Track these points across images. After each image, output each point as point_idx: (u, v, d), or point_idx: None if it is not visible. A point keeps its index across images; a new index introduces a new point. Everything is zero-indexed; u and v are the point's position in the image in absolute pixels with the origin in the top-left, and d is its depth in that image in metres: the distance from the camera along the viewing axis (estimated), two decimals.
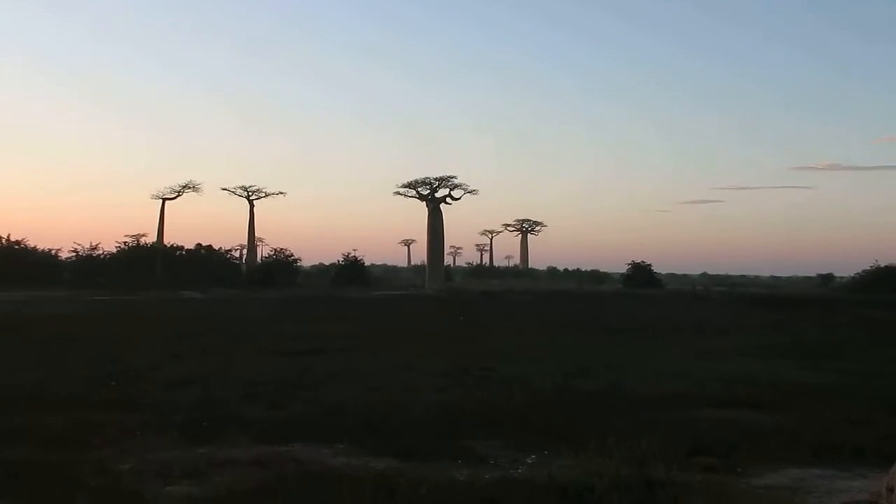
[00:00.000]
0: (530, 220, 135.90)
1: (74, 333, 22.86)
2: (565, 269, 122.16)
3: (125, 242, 72.85)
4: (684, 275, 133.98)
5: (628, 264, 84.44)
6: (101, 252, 69.95)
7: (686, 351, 21.27)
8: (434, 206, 73.65)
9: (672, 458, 8.21)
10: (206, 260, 71.03)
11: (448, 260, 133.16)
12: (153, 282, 61.36)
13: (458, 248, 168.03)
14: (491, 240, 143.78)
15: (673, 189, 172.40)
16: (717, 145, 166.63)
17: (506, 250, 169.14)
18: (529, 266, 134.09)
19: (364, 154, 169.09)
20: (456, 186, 73.63)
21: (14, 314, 30.23)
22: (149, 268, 66.54)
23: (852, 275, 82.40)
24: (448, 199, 73.90)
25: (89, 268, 66.84)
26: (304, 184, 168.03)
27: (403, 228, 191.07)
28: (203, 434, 10.13)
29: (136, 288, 53.82)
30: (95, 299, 43.00)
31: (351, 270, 78.27)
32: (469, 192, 73.99)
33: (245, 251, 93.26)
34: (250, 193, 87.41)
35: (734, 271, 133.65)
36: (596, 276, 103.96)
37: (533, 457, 9.23)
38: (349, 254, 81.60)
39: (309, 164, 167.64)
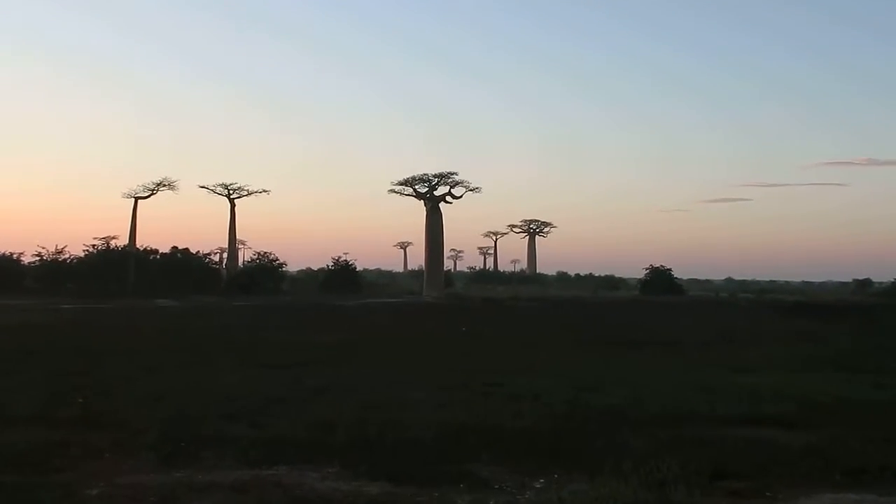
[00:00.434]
0: (538, 221, 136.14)
1: (37, 345, 22.83)
2: (577, 275, 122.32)
3: (94, 246, 72.78)
4: (707, 280, 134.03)
5: (646, 269, 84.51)
6: (67, 256, 70.02)
7: (709, 363, 21.24)
8: (433, 205, 73.62)
9: (694, 482, 8.19)
10: (182, 265, 71.01)
11: (448, 264, 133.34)
12: (125, 289, 61.37)
13: (459, 252, 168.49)
14: (495, 242, 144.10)
15: (694, 186, 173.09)
16: (743, 139, 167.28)
17: (511, 254, 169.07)
18: (537, 271, 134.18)
19: (356, 149, 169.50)
20: (457, 184, 73.64)
21: None
22: (120, 273, 66.53)
23: (892, 280, 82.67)
24: (448, 198, 73.87)
25: (55, 273, 66.86)
26: (291, 181, 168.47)
27: (399, 230, 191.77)
28: (179, 455, 10.09)
29: (105, 295, 53.83)
30: (61, 308, 42.97)
31: (342, 276, 78.28)
32: (471, 190, 74.02)
33: (225, 255, 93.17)
34: (231, 192, 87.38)
35: (762, 276, 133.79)
36: (610, 282, 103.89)
37: (542, 481, 9.19)
38: (340, 258, 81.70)
39: (295, 160, 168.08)
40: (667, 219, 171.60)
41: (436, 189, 73.73)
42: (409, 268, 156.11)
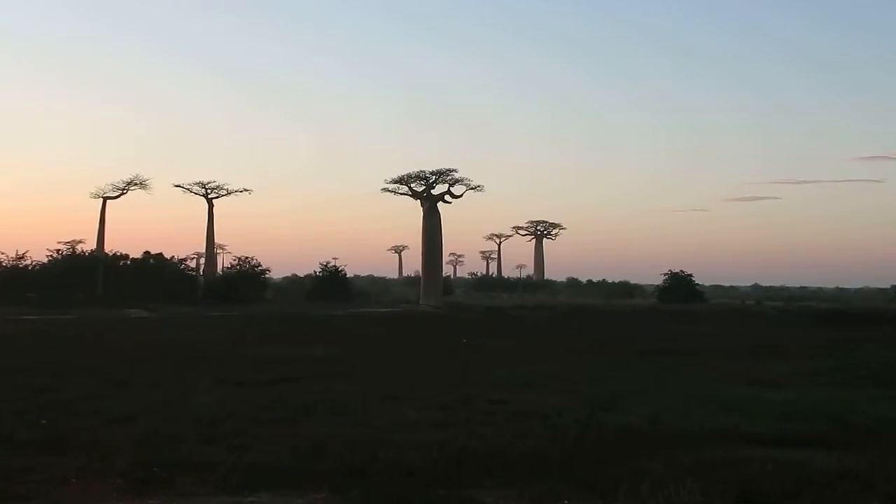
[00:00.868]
0: (546, 223, 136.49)
1: None
2: (588, 281, 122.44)
3: (58, 250, 72.88)
4: (732, 286, 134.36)
5: (664, 274, 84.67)
6: (29, 262, 69.94)
7: (735, 378, 21.24)
8: (430, 205, 73.65)
9: None
10: (155, 271, 71.01)
11: (447, 270, 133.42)
12: (92, 298, 61.30)
13: (459, 256, 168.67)
14: (499, 246, 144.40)
15: (717, 184, 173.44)
16: (770, 132, 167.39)
17: (517, 258, 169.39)
18: (545, 277, 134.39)
19: (346, 144, 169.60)
20: (456, 181, 73.72)
21: None
22: (87, 281, 66.47)
23: None
24: (447, 197, 73.95)
25: (15, 281, 66.68)
26: (274, 180, 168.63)
27: (394, 233, 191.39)
28: (152, 481, 10.06)
29: (71, 305, 53.78)
30: (22, 319, 42.93)
31: (330, 283, 78.33)
32: (472, 189, 74.11)
33: (203, 261, 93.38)
34: (209, 191, 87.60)
35: (792, 282, 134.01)
36: (625, 289, 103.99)
37: None
38: (328, 263, 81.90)
39: (279, 157, 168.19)
40: (687, 219, 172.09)
41: (433, 187, 73.80)
42: (405, 274, 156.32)
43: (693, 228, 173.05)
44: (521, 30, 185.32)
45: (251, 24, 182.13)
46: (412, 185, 73.81)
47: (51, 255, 71.33)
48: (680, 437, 12.96)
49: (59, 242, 74.66)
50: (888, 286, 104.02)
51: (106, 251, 74.94)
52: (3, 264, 68.77)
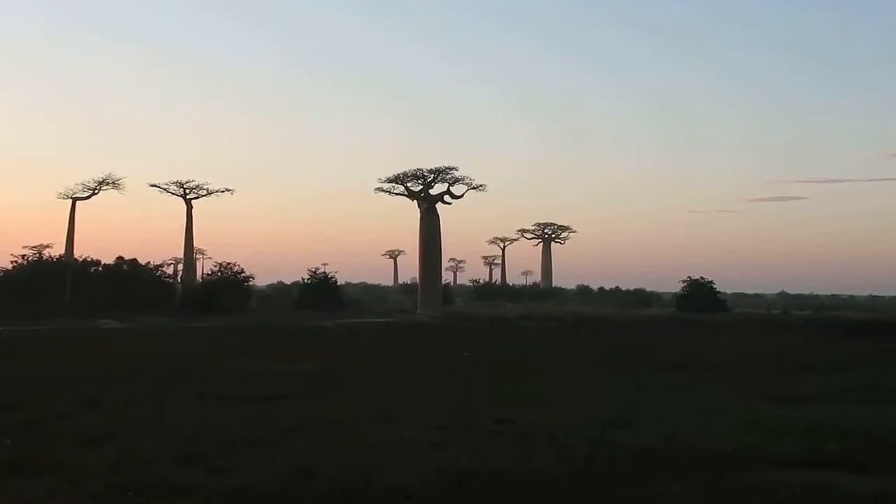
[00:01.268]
0: (554, 225, 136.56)
1: None
2: (600, 289, 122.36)
3: (23, 256, 72.95)
4: (756, 294, 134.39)
5: (683, 281, 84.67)
6: None
7: (760, 393, 21.25)
8: (428, 206, 73.69)
9: None
10: (129, 278, 71.01)
11: (447, 277, 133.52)
12: (60, 307, 61.26)
13: (460, 262, 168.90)
14: (503, 250, 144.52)
15: (739, 183, 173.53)
16: (796, 127, 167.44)
17: (523, 264, 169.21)
18: (553, 284, 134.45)
19: (337, 140, 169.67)
20: (457, 180, 73.73)
21: None
22: (55, 289, 66.48)
23: None
24: (446, 198, 73.97)
25: None
26: (259, 179, 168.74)
27: (388, 236, 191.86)
28: None
29: (37, 315, 53.68)
30: None
31: (320, 291, 78.40)
32: (474, 188, 74.14)
33: (181, 267, 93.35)
34: (187, 191, 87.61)
35: (822, 289, 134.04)
36: (641, 298, 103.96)
37: None
38: (317, 269, 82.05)
39: (264, 154, 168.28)
40: (708, 221, 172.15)
41: (432, 187, 73.83)
42: (401, 281, 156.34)
43: (714, 231, 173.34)
44: (523, 24, 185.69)
45: (234, 14, 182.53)
46: (408, 185, 73.83)
47: (15, 261, 71.50)
48: (700, 458, 12.97)
49: (23, 247, 74.97)
50: None
51: (75, 256, 75.02)
52: None
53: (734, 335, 45.70)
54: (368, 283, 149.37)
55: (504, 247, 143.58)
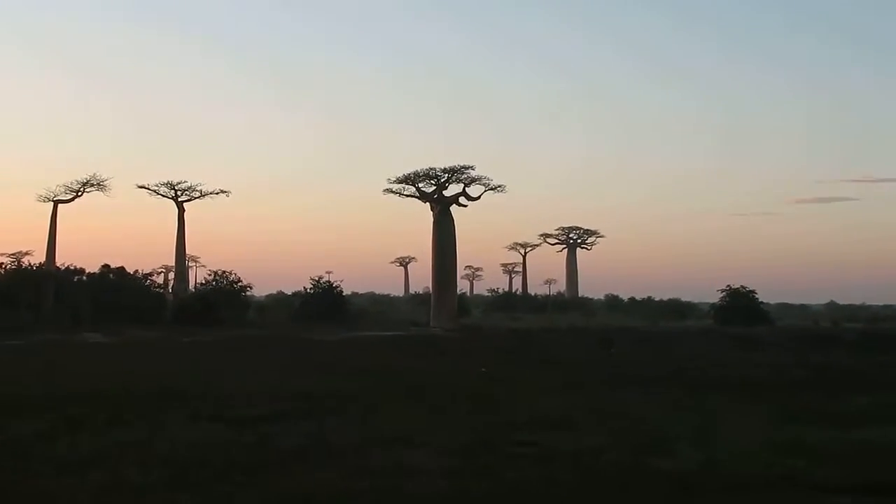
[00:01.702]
0: (580, 229, 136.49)
1: None
2: (631, 299, 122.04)
3: (1, 264, 73.28)
4: (802, 305, 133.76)
5: (722, 291, 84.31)
6: None
7: (805, 414, 21.18)
8: (442, 208, 73.65)
9: None
10: (116, 288, 71.19)
11: (463, 286, 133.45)
12: (40, 320, 61.50)
13: (476, 270, 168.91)
14: (524, 257, 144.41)
15: (783, 182, 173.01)
16: (846, 121, 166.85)
17: (545, 272, 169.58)
18: (579, 294, 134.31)
19: (343, 136, 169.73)
20: (473, 181, 73.64)
21: None
22: (34, 300, 66.74)
23: None
24: (462, 199, 73.90)
25: None
26: (257, 179, 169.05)
27: (399, 242, 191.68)
28: None
29: (15, 328, 53.87)
30: None
31: (323, 302, 78.40)
32: (492, 189, 74.06)
33: (172, 276, 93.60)
34: (179, 193, 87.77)
35: (875, 299, 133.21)
36: (676, 308, 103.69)
37: None
38: (321, 278, 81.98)
39: (263, 152, 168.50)
40: (749, 224, 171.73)
41: (446, 188, 73.75)
42: (412, 291, 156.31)
43: (756, 235, 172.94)
44: (548, 8, 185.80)
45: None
46: (420, 186, 73.79)
47: None
48: (740, 484, 12.98)
49: (0, 254, 74.99)
50: None
51: (57, 264, 75.19)
52: None
53: (778, 350, 45.55)
54: (377, 292, 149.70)
55: (525, 253, 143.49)
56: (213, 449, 15.65)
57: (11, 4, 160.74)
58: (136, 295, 71.30)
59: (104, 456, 14.77)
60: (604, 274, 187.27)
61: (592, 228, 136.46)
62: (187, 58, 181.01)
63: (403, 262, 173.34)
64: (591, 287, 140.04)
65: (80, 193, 78.86)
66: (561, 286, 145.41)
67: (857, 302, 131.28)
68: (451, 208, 73.83)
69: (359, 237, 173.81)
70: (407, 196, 74.31)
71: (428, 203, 73.97)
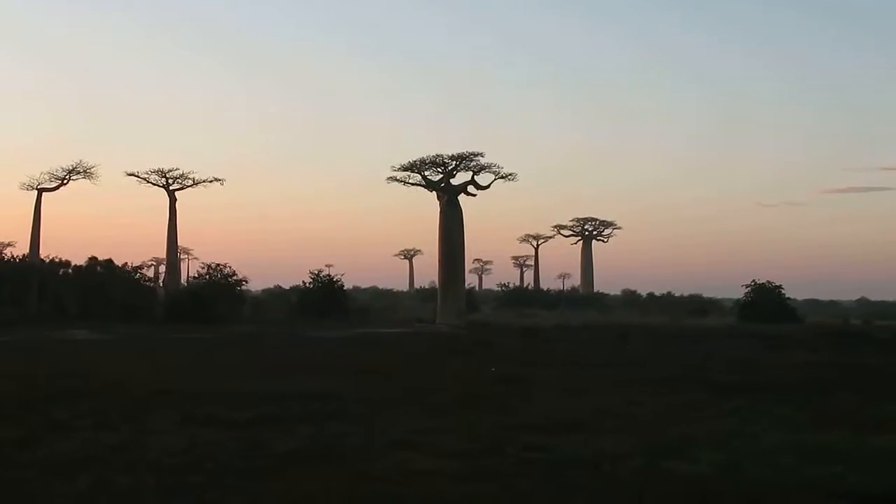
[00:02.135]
0: (596, 220, 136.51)
1: None
2: (650, 295, 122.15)
3: None
4: (831, 302, 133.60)
5: (746, 286, 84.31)
6: None
7: (834, 418, 21.16)
8: (450, 198, 73.61)
9: None
10: (104, 282, 71.32)
11: (471, 280, 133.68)
12: (24, 315, 61.62)
13: (486, 263, 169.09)
14: (536, 250, 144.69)
15: (812, 171, 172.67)
16: (880, 105, 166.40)
17: (559, 265, 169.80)
18: (595, 289, 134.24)
19: (344, 121, 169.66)
20: (482, 168, 73.61)
21: None
22: (18, 294, 66.88)
23: None
24: (471, 188, 73.86)
25: None
26: (253, 167, 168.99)
27: (403, 233, 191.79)
28: None
29: None
30: None
31: (323, 297, 78.47)
32: (502, 178, 74.02)
33: (163, 269, 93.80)
34: (170, 181, 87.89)
35: None
36: (697, 305, 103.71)
37: None
38: (320, 272, 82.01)
39: (259, 138, 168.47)
40: (776, 216, 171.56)
41: (454, 176, 73.72)
42: (418, 285, 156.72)
43: (783, 227, 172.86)
44: None
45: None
46: (426, 174, 73.73)
47: None
48: (765, 491, 12.97)
49: None
50: None
51: (42, 256, 75.44)
52: None
53: (806, 349, 45.49)
54: (380, 287, 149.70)
55: (537, 246, 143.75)
56: (205, 452, 15.67)
57: None
58: (126, 289, 71.41)
59: (91, 460, 14.79)
60: (621, 268, 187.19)
61: (609, 220, 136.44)
62: (174, 46, 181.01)
63: (408, 255, 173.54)
64: (608, 282, 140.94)
65: (65, 181, 79.17)
66: (575, 281, 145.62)
67: (891, 298, 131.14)
68: (459, 198, 73.76)
69: (361, 228, 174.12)
70: (412, 185, 74.27)
71: (434, 192, 73.91)
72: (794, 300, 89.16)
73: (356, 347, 44.72)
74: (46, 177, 78.51)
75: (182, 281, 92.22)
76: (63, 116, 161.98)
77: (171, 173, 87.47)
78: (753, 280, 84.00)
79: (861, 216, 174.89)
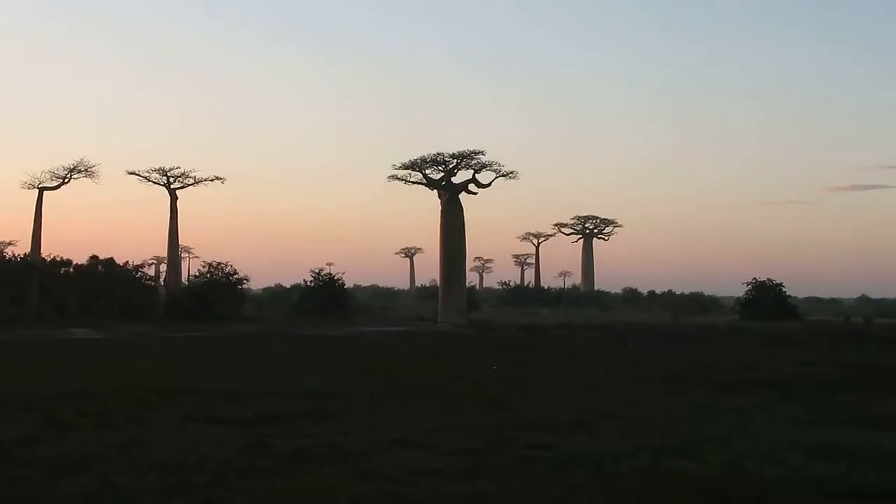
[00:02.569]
0: (597, 218, 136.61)
1: None
2: (650, 292, 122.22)
3: None
4: (832, 300, 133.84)
5: (747, 284, 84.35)
6: None
7: (838, 416, 21.16)
8: (451, 196, 73.67)
9: None
10: (105, 281, 71.33)
11: (472, 279, 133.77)
12: (25, 314, 61.60)
13: (486, 262, 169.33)
14: (537, 248, 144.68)
15: (815, 169, 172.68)
16: (881, 103, 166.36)
17: (560, 264, 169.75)
18: (595, 287, 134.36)
19: (345, 119, 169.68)
20: (483, 167, 73.69)
21: None
22: (18, 293, 66.83)
23: None
24: (472, 187, 73.94)
25: None
26: (254, 166, 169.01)
27: (404, 232, 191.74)
28: None
29: None
30: None
31: (324, 296, 78.50)
32: (503, 176, 74.13)
33: (164, 267, 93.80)
34: (171, 179, 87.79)
35: None
36: (698, 303, 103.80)
37: None
38: (321, 271, 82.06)
39: (260, 136, 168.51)
40: (777, 214, 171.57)
41: (454, 174, 73.80)
42: (418, 283, 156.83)
43: (784, 225, 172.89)
44: None
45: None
46: (427, 172, 73.79)
47: None
48: (771, 490, 12.94)
49: None
50: None
51: (43, 255, 75.32)
52: None
53: (808, 348, 45.53)
54: (381, 286, 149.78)
55: (538, 244, 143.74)
56: (208, 452, 15.64)
57: None
58: (127, 288, 71.47)
59: (93, 459, 14.75)
60: (622, 266, 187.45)
61: (610, 218, 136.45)
62: (175, 45, 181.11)
63: (409, 254, 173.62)
64: (608, 280, 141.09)
65: (66, 180, 78.84)
66: (576, 279, 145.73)
67: (892, 296, 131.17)
68: (459, 196, 73.83)
69: (362, 227, 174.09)
70: (413, 183, 74.39)
71: (435, 190, 73.99)
72: (795, 298, 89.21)
73: (358, 346, 44.74)
74: (47, 175, 78.24)
75: (183, 280, 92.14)
76: (65, 113, 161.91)
77: (172, 172, 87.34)
78: (754, 278, 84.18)
79: (862, 214, 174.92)
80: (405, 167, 73.54)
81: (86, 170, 78.76)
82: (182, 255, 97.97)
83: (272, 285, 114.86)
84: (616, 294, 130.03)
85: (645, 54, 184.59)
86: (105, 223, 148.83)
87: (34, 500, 12.09)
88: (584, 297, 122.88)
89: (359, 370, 31.51)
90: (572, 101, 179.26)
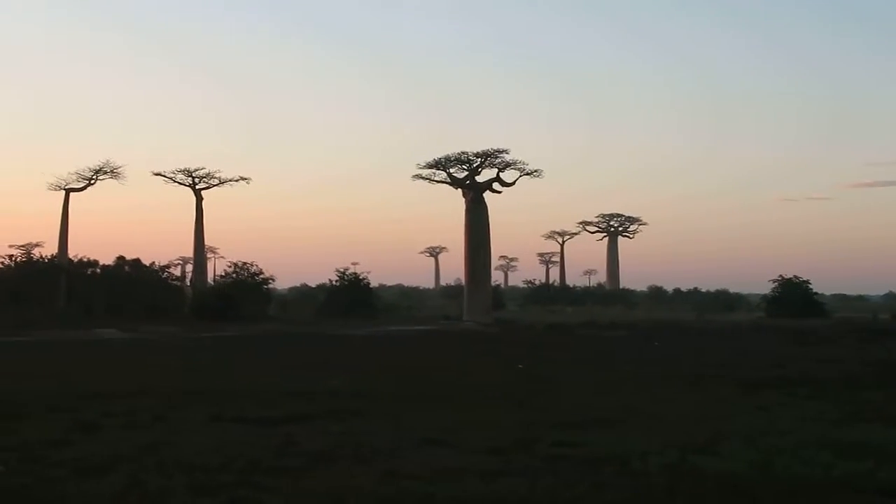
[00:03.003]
0: (621, 216, 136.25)
1: None
2: (676, 290, 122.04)
3: (11, 256, 73.90)
4: (859, 297, 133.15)
5: (773, 281, 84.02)
6: None
7: (868, 413, 21.06)
8: (475, 195, 73.62)
9: None
10: (131, 282, 71.60)
11: (497, 277, 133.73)
12: (52, 315, 61.86)
13: (511, 260, 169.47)
14: (562, 246, 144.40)
15: (839, 165, 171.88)
16: None
17: (585, 262, 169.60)
18: (621, 286, 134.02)
19: (368, 123, 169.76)
20: (508, 165, 73.63)
21: None
22: (46, 294, 67.17)
23: None
24: (496, 185, 73.88)
25: None
26: (279, 166, 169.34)
27: (429, 231, 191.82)
28: None
29: (26, 324, 54.21)
30: None
31: (349, 295, 78.57)
32: (528, 174, 74.09)
33: (190, 268, 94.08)
34: (197, 180, 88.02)
35: None
36: (724, 300, 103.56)
37: None
38: (346, 270, 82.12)
39: (286, 137, 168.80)
40: (802, 211, 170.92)
41: (479, 173, 73.74)
42: (443, 283, 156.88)
43: (810, 222, 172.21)
44: None
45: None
46: (452, 171, 73.74)
47: (1, 261, 72.25)
48: (799, 488, 12.90)
49: (10, 246, 75.52)
50: None
51: (70, 256, 75.70)
52: None
53: (834, 345, 45.32)
54: (406, 285, 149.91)
55: (563, 242, 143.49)
56: (235, 451, 15.69)
57: None
58: (153, 288, 71.72)
59: (121, 459, 14.82)
60: (647, 264, 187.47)
61: (635, 216, 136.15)
62: (198, 46, 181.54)
63: (434, 253, 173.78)
64: (634, 278, 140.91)
65: (92, 181, 79.23)
66: (601, 277, 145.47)
67: None
68: (484, 195, 73.77)
69: (387, 226, 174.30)
70: (438, 182, 74.39)
71: (460, 189, 73.95)
72: (822, 295, 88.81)
73: (383, 345, 44.76)
74: (74, 177, 78.65)
75: (209, 279, 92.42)
76: (92, 116, 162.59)
77: (197, 172, 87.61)
78: (780, 275, 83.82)
79: (887, 210, 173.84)
80: (429, 166, 73.57)
81: (111, 171, 79.14)
82: (207, 256, 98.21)
83: (298, 285, 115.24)
84: (641, 292, 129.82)
85: (670, 53, 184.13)
86: (131, 224, 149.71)
87: (63, 500, 12.15)
88: (610, 295, 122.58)
89: (385, 369, 31.54)
90: (597, 100, 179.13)
